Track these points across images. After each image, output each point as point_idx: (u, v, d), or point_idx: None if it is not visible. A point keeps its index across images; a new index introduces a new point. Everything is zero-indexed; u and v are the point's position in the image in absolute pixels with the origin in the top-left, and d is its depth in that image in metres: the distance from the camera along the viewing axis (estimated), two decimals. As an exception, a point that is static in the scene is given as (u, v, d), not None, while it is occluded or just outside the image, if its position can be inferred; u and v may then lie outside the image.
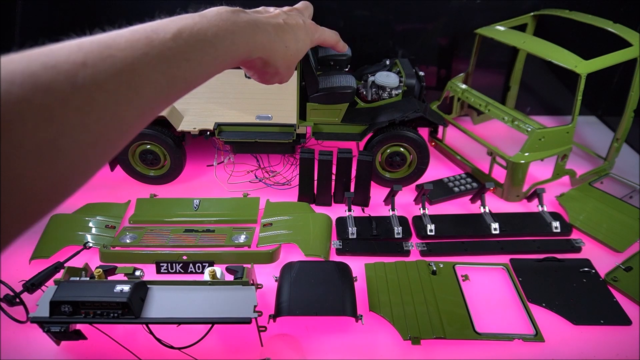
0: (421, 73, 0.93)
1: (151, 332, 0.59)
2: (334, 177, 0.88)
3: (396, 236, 0.81)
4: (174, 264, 0.72)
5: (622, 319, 0.67)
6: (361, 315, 0.63)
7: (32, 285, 0.63)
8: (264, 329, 0.61)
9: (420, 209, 0.86)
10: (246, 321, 0.55)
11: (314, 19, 0.59)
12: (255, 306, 0.56)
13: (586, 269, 0.75)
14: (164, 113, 0.85)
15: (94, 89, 0.26)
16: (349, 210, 0.85)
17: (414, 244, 0.80)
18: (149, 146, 0.90)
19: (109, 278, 0.63)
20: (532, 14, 1.06)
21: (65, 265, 0.66)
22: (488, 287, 0.73)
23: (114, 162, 0.93)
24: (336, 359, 0.61)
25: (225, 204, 0.88)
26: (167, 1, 1.00)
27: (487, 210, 0.85)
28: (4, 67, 0.23)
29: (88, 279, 0.61)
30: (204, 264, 0.72)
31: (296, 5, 0.57)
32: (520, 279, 0.73)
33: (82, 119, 0.26)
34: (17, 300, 0.62)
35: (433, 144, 1.08)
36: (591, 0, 1.03)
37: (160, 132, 0.88)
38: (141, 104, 0.30)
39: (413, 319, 0.65)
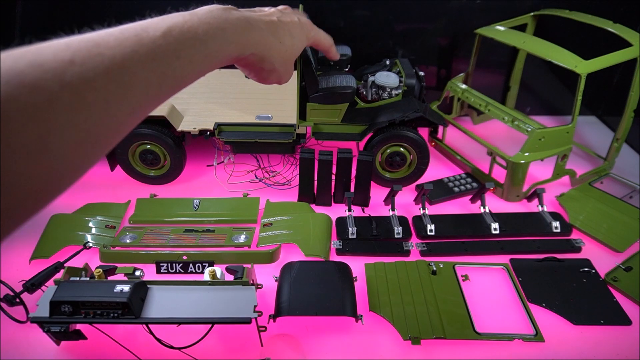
0: (421, 73, 0.93)
1: (151, 332, 0.59)
2: (334, 177, 0.88)
3: (396, 236, 0.81)
4: (174, 264, 0.72)
5: (622, 319, 0.67)
6: (361, 315, 0.63)
7: (32, 285, 0.63)
8: (264, 329, 0.61)
9: (420, 209, 0.86)
10: (246, 321, 0.55)
11: (313, 19, 0.60)
12: (255, 306, 0.56)
13: (586, 269, 0.75)
14: (164, 113, 0.85)
15: (82, 87, 0.26)
16: (349, 210, 0.85)
17: (414, 244, 0.80)
18: (149, 146, 0.90)
19: (109, 278, 0.63)
20: (532, 14, 1.06)
21: (65, 265, 0.66)
22: (488, 287, 0.73)
23: (114, 162, 0.93)
24: (336, 359, 0.61)
25: (225, 204, 0.88)
26: (168, 1, 1.00)
27: (487, 210, 0.85)
28: None
29: (88, 279, 0.61)
30: (204, 264, 0.72)
31: None
32: (520, 279, 0.73)
33: (70, 117, 0.25)
34: (17, 300, 0.62)
35: (433, 144, 1.08)
36: (591, 0, 1.03)
37: (160, 132, 0.88)
38: (132, 102, 0.30)
39: (413, 319, 0.65)
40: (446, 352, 0.62)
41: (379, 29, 1.09)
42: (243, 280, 0.60)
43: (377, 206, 0.89)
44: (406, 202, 0.90)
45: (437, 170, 1.00)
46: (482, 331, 0.64)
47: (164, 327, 0.61)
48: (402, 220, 0.84)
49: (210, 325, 0.58)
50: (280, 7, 0.54)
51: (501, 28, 1.00)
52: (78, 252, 0.73)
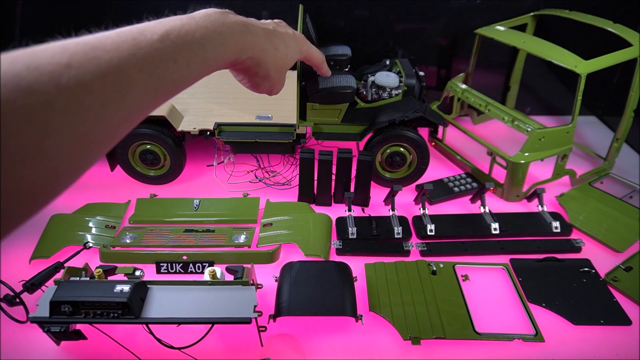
0: (421, 73, 0.93)
1: (151, 332, 0.59)
2: (334, 177, 0.88)
3: (396, 236, 0.81)
4: (174, 264, 0.72)
5: (622, 319, 0.67)
6: (361, 315, 0.63)
7: (32, 285, 0.63)
8: (264, 329, 0.61)
9: (420, 209, 0.86)
10: (246, 321, 0.55)
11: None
12: (255, 306, 0.56)
13: (586, 269, 0.75)
14: (164, 113, 0.85)
15: (79, 90, 0.26)
16: (349, 210, 0.85)
17: (414, 244, 0.80)
18: (149, 146, 0.90)
19: (109, 278, 0.63)
20: (532, 14, 1.06)
21: (65, 265, 0.66)
22: (488, 287, 0.73)
23: (114, 162, 0.93)
24: (336, 359, 0.61)
25: (225, 204, 0.88)
26: (166, 4, 1.00)
27: (487, 210, 0.85)
28: None
29: (88, 279, 0.61)
30: (204, 264, 0.72)
31: None
32: (520, 279, 0.73)
33: (66, 120, 0.25)
34: (17, 300, 0.62)
35: (433, 144, 1.08)
36: (591, 0, 1.03)
37: (160, 132, 0.88)
38: (128, 105, 0.30)
39: (413, 319, 0.65)
40: (446, 352, 0.62)
41: (378, 29, 1.09)
42: (243, 280, 0.60)
43: (377, 206, 0.89)
44: (406, 202, 0.90)
45: (437, 170, 1.00)
46: (482, 331, 0.64)
47: (164, 327, 0.61)
48: (402, 220, 0.84)
49: (210, 325, 0.58)
50: (275, 20, 0.55)
51: (501, 28, 1.00)
52: (78, 252, 0.73)
